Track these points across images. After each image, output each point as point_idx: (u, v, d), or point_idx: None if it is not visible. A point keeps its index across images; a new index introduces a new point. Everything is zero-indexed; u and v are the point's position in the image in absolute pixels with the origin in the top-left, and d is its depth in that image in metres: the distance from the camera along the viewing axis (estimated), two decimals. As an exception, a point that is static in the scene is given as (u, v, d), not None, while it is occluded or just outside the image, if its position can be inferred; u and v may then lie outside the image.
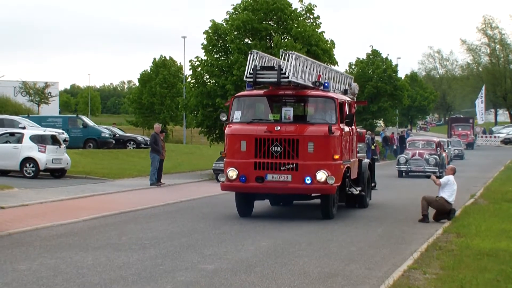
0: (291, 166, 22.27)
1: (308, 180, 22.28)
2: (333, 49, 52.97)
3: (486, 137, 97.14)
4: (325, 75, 27.03)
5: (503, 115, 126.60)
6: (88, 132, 55.78)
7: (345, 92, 28.36)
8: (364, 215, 26.04)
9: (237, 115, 23.81)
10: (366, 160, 28.66)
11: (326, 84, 24.79)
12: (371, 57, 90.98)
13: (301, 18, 51.12)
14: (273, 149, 22.31)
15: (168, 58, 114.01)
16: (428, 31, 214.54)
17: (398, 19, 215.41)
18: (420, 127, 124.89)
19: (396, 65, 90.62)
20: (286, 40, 49.11)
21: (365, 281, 15.65)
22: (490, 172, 48.98)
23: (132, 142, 63.78)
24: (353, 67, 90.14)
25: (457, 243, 19.34)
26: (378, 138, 71.77)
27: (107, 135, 58.44)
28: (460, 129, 79.88)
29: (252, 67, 22.75)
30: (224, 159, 23.26)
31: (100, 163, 46.71)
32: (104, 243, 18.69)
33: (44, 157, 36.21)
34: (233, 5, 51.33)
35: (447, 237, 20.55)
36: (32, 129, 42.25)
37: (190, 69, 52.47)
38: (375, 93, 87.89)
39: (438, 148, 46.61)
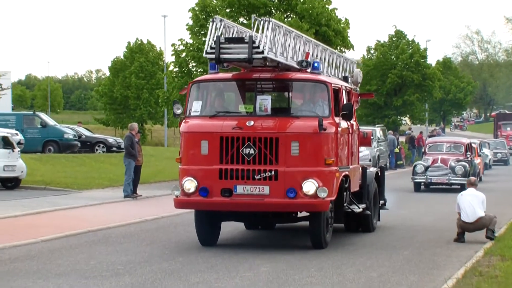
0: (269, 174, 19.13)
1: (291, 193, 19.16)
2: (348, 30, 53.36)
3: None
4: (317, 54, 23.94)
5: None
6: (47, 133, 55.68)
7: (345, 80, 25.55)
8: (375, 240, 24.06)
9: (196, 106, 20.70)
10: (373, 169, 25.15)
11: (315, 64, 21.38)
12: (394, 39, 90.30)
13: None
14: (244, 152, 19.20)
15: (145, 41, 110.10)
16: (465, 7, 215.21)
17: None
18: (455, 125, 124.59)
19: (426, 49, 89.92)
20: (290, 19, 49.11)
21: None
22: None
23: (101, 145, 63.32)
24: (372, 52, 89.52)
25: (502, 268, 19.37)
26: (403, 139, 68.92)
27: (71, 137, 57.94)
28: (509, 128, 78.23)
29: (215, 39, 19.57)
30: (180, 166, 20.35)
31: (62, 171, 46.80)
32: (69, 268, 18.45)
33: (-7, 164, 30.48)
34: None
35: (489, 260, 20.61)
36: (-23, 130, 37.22)
37: (172, 55, 52.50)
38: (399, 84, 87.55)
39: (469, 153, 44.68)
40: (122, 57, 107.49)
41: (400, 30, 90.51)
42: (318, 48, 24.17)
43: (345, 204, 21.62)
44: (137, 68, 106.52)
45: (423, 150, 49.73)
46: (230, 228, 23.35)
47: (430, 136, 61.73)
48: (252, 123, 19.12)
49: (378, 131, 61.24)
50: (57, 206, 31.31)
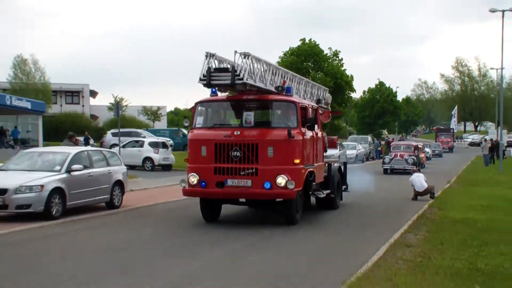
0: (251, 171, 18.30)
1: (267, 185, 18.23)
2: (352, 81, 61.63)
3: (458, 141, 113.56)
4: (294, 83, 23.09)
5: (469, 126, 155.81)
6: (185, 140, 60.09)
7: (318, 101, 24.53)
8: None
9: (199, 120, 20.09)
10: (336, 164, 25.15)
11: (288, 89, 20.51)
12: (378, 86, 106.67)
13: (330, 60, 58.53)
14: (233, 154, 18.42)
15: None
16: (418, 68, 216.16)
17: (396, 60, 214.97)
18: (412, 134, 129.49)
19: (396, 92, 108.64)
20: (319, 75, 56.59)
21: (371, 242, 16.53)
22: (461, 166, 55.49)
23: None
24: (366, 93, 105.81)
25: (438, 215, 21.60)
26: (383, 142, 74.57)
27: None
28: (443, 137, 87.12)
29: (206, 69, 18.79)
30: (187, 165, 19.89)
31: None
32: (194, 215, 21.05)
33: (158, 156, 44.91)
34: (284, 51, 58.71)
35: (431, 210, 22.90)
36: (149, 138, 53.79)
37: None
38: (381, 111, 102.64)
39: (416, 151, 49.13)
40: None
41: (382, 81, 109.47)
42: (295, 78, 23.29)
43: (311, 192, 20.41)
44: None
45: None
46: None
47: (399, 141, 63.47)
48: (238, 132, 18.50)
49: (369, 137, 71.81)
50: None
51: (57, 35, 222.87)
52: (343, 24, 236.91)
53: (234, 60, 19.14)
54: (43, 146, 48.13)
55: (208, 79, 18.54)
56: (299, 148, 18.72)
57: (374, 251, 14.48)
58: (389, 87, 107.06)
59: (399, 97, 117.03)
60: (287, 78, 22.19)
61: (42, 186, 19.43)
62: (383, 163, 47.66)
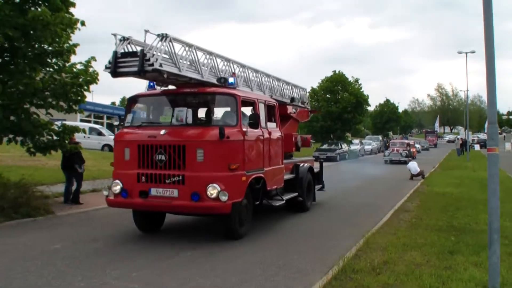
0: (177, 178, 10.97)
1: (195, 196, 10.79)
2: (368, 99, 59.93)
3: (440, 140, 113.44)
4: (254, 77, 14.61)
5: (447, 129, 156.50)
6: None
7: (292, 100, 16.81)
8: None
9: (128, 118, 12.46)
10: (306, 165, 16.05)
11: (231, 81, 12.63)
12: (385, 102, 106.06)
13: (352, 84, 56.90)
14: (157, 158, 11.14)
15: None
16: (412, 89, 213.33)
17: (397, 85, 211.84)
18: (409, 135, 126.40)
19: (397, 106, 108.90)
20: (346, 95, 55.29)
21: (381, 207, 16.18)
22: (441, 156, 55.30)
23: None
24: (377, 107, 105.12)
25: (427, 190, 21.23)
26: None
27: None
28: (430, 136, 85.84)
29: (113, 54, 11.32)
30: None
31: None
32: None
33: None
34: (321, 79, 57.81)
35: (422, 187, 22.55)
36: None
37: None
38: (387, 119, 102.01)
39: (408, 146, 46.10)
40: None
41: (388, 99, 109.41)
42: (258, 73, 14.59)
43: (257, 202, 12.07)
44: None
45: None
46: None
47: (398, 139, 62.93)
48: (164, 132, 11.12)
49: (380, 137, 73.76)
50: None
51: None
52: (360, 61, 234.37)
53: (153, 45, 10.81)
54: None
55: (113, 66, 10.90)
56: (238, 151, 11.02)
57: (382, 216, 14.04)
58: (392, 102, 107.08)
59: (400, 109, 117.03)
60: (239, 70, 13.82)
61: None
62: (384, 156, 45.20)
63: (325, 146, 48.27)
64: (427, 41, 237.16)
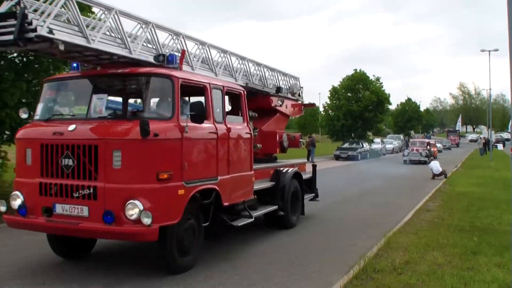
0: (87, 191, 7.35)
1: (108, 216, 7.16)
2: (389, 97, 58.41)
3: (462, 139, 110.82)
4: (220, 60, 10.97)
5: (469, 128, 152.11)
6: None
7: (278, 90, 13.17)
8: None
9: (38, 109, 8.56)
10: (291, 170, 12.14)
11: (171, 58, 8.57)
12: (407, 101, 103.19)
13: (374, 83, 56.23)
14: (63, 163, 7.53)
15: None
16: (434, 88, 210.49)
17: (418, 84, 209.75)
18: (431, 134, 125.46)
19: (419, 105, 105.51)
20: (367, 93, 54.68)
21: (402, 207, 15.98)
22: (464, 156, 54.61)
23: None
24: (398, 106, 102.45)
25: (448, 189, 21.07)
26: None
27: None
28: (452, 136, 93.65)
29: None
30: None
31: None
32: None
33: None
34: (342, 78, 57.38)
35: (444, 186, 22.36)
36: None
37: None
38: (409, 118, 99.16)
39: (428, 146, 43.90)
40: None
41: (410, 98, 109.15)
42: (208, 48, 10.28)
43: (207, 223, 8.53)
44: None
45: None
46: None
47: (419, 139, 62.11)
48: (73, 127, 7.58)
49: (401, 136, 73.58)
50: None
51: None
52: (381, 60, 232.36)
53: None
54: None
55: None
56: (172, 154, 7.68)
57: (403, 216, 13.80)
58: (414, 101, 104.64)
59: (422, 108, 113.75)
60: (201, 50, 10.24)
61: None
62: (403, 155, 43.25)
63: (346, 145, 48.35)
64: (449, 39, 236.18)
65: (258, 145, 12.15)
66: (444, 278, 7.75)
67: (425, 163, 37.35)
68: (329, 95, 57.86)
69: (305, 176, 13.66)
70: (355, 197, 18.48)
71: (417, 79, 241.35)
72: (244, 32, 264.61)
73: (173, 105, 8.01)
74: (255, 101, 12.63)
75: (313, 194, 14.25)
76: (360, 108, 54.93)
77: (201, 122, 8.28)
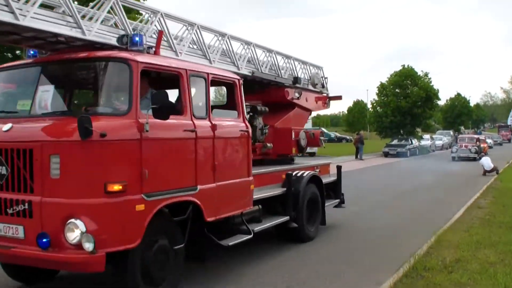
0: (22, 207, 5.55)
1: (43, 239, 5.41)
2: (438, 93, 56.85)
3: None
4: (214, 44, 9.07)
5: None
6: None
7: (295, 81, 11.35)
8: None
9: None
10: (307, 173, 10.14)
11: (136, 40, 6.56)
12: (456, 96, 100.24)
13: (422, 78, 55.09)
14: None
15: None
16: (484, 83, 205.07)
17: (470, 76, 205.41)
18: (481, 130, 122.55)
19: (469, 101, 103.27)
20: (415, 89, 53.92)
21: (453, 204, 15.64)
22: None
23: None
24: (447, 101, 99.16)
25: (500, 185, 20.87)
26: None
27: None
28: (503, 131, 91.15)
29: None
30: None
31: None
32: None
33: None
34: (390, 74, 56.62)
35: (496, 183, 22.21)
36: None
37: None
38: (459, 113, 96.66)
39: (478, 142, 42.21)
40: None
41: (459, 93, 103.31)
42: (197, 29, 8.34)
43: (181, 245, 6.55)
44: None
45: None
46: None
47: (469, 134, 60.57)
48: (8, 127, 5.83)
49: (451, 132, 72.03)
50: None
51: None
52: (427, 56, 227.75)
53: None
54: None
55: None
56: (126, 159, 5.73)
57: (454, 213, 13.59)
58: (463, 96, 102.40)
59: (471, 103, 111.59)
60: (189, 31, 8.50)
61: None
62: (451, 152, 41.28)
63: (395, 142, 47.79)
64: (499, 31, 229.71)
65: (268, 144, 10.52)
66: (497, 277, 7.61)
67: (474, 159, 36.49)
68: (377, 92, 57.31)
69: (326, 180, 11.64)
70: (406, 193, 18.32)
71: (467, 74, 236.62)
72: (289, 29, 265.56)
73: (130, 97, 6.10)
74: (267, 93, 11.27)
75: (337, 200, 12.16)
76: (408, 104, 54.17)
77: (165, 117, 6.23)
